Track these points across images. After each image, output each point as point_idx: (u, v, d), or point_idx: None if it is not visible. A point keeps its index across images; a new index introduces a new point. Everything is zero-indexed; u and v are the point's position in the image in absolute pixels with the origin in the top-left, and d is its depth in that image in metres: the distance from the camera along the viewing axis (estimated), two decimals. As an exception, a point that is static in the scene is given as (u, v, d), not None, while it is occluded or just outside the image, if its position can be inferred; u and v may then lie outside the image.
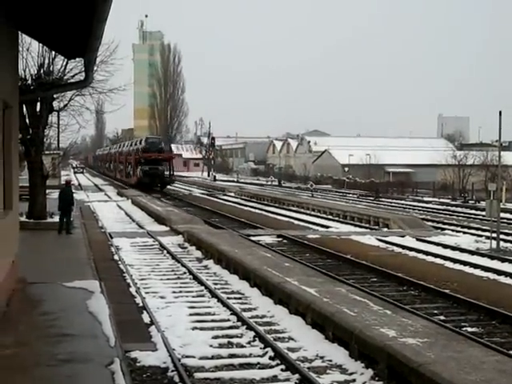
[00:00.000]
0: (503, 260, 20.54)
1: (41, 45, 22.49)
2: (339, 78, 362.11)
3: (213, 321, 12.82)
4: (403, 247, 23.48)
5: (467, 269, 19.09)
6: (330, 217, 36.55)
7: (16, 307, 11.35)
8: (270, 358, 10.42)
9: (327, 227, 31.07)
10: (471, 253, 22.32)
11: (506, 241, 25.12)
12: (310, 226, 31.76)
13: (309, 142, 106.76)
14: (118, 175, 77.08)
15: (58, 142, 38.61)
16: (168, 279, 17.03)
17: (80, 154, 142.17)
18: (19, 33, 14.32)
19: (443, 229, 30.59)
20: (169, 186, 62.00)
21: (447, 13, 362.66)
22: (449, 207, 47.30)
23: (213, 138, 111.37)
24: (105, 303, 11.59)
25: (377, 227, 31.35)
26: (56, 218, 25.86)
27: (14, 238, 13.23)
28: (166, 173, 61.97)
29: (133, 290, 15.24)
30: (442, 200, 54.93)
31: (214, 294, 14.89)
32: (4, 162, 11.02)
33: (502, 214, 25.48)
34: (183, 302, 14.42)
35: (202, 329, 12.17)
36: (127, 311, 13.10)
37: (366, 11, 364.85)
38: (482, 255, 21.73)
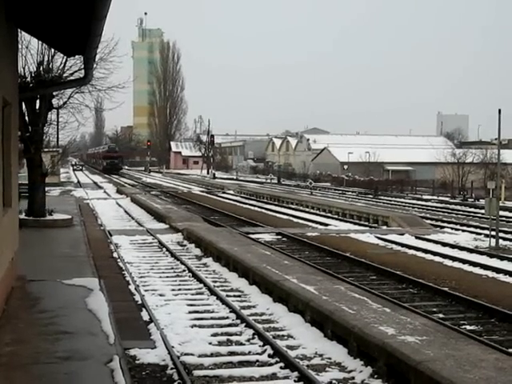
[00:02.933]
0: (502, 258, 20.54)
1: (40, 42, 22.47)
2: (338, 76, 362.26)
3: (212, 318, 12.82)
4: (402, 245, 23.49)
5: (466, 267, 19.10)
6: (329, 215, 36.57)
7: (15, 305, 11.35)
8: (269, 356, 10.42)
9: (326, 225, 31.07)
10: (470, 251, 22.33)
11: (505, 239, 25.14)
12: (309, 223, 31.75)
13: (308, 139, 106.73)
14: (96, 166, 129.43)
15: (58, 140, 38.52)
16: (167, 277, 17.02)
17: (80, 151, 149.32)
18: (19, 30, 14.32)
19: (442, 227, 30.59)
20: (165, 184, 73.54)
21: (447, 11, 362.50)
22: (448, 205, 47.33)
23: (212, 136, 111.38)
24: (104, 301, 11.60)
25: (376, 225, 31.36)
26: (55, 216, 25.91)
27: (14, 235, 13.24)
28: (119, 164, 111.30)
29: (132, 287, 15.23)
30: (441, 198, 55.01)
31: (213, 292, 14.89)
32: (3, 160, 11.02)
33: (501, 212, 25.54)
34: (182, 299, 14.41)
35: (201, 326, 12.17)
36: (126, 309, 13.09)
37: (364, 9, 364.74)
38: (481, 253, 21.75)
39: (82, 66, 18.02)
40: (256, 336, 11.43)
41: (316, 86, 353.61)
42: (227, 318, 12.85)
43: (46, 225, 24.41)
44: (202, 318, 12.76)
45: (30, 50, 23.76)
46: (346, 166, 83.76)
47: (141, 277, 16.89)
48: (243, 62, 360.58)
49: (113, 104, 56.87)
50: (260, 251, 19.14)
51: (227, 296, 14.61)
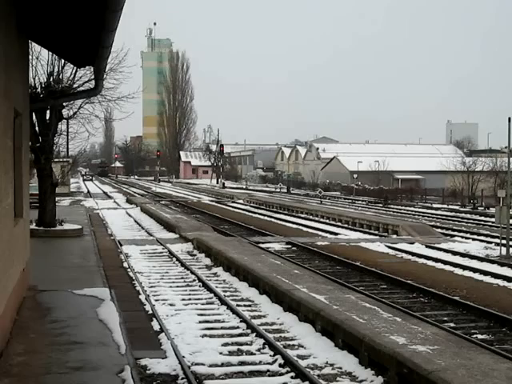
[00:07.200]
0: (513, 267, 20.45)
1: (50, 53, 22.60)
2: (347, 85, 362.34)
3: (222, 328, 12.81)
4: (412, 254, 23.42)
5: (477, 276, 19.02)
6: (339, 224, 36.51)
7: (27, 315, 11.40)
8: (280, 366, 10.41)
9: (336, 234, 31.02)
10: (481, 259, 22.24)
11: (515, 247, 24.99)
12: (319, 233, 31.72)
13: (317, 148, 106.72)
14: (94, 172, 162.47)
15: (68, 150, 38.74)
16: (177, 286, 17.03)
17: (90, 160, 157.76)
18: (29, 41, 14.42)
19: (452, 235, 30.50)
20: (174, 194, 75.19)
21: (455, 20, 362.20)
22: (458, 214, 47.17)
23: (221, 146, 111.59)
24: (115, 311, 11.63)
25: (386, 234, 31.28)
26: (66, 226, 25.99)
27: (25, 245, 13.29)
28: (107, 171, 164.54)
29: (142, 297, 15.25)
30: (451, 206, 54.83)
31: (223, 302, 14.89)
32: (14, 170, 11.08)
33: (512, 221, 25.40)
34: (192, 309, 14.41)
35: (211, 336, 12.17)
36: (137, 319, 13.10)
37: (373, 17, 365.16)
38: (492, 262, 21.65)
39: (92, 77, 18.11)
40: (267, 345, 11.42)
41: (325, 94, 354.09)
42: (238, 327, 12.84)
43: (56, 235, 24.48)
44: (212, 328, 12.75)
45: (41, 61, 23.92)
46: (355, 175, 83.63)
47: (151, 286, 16.91)
48: (253, 71, 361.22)
49: (122, 114, 57.15)
50: (270, 260, 19.13)
51: (238, 305, 14.60)
